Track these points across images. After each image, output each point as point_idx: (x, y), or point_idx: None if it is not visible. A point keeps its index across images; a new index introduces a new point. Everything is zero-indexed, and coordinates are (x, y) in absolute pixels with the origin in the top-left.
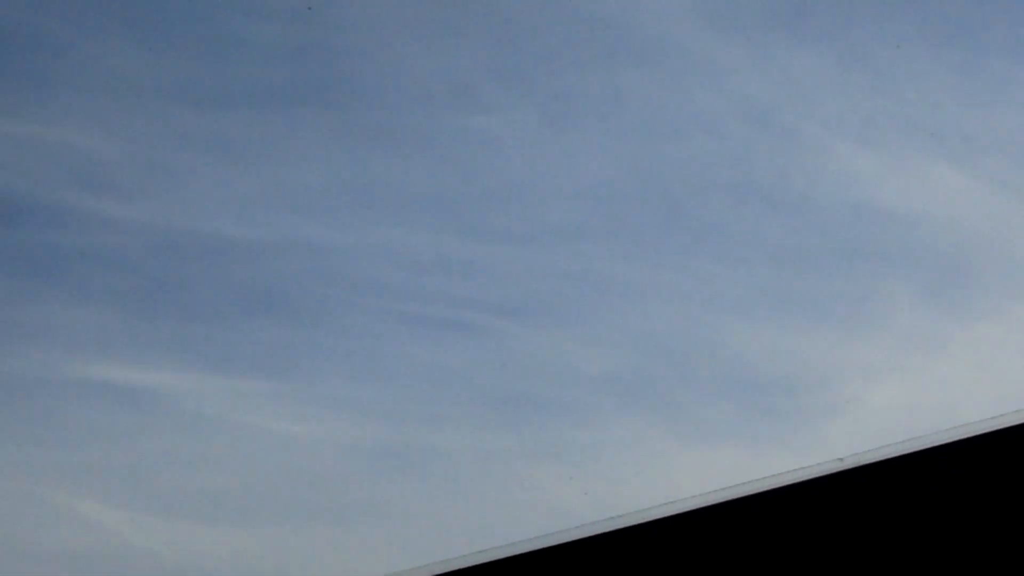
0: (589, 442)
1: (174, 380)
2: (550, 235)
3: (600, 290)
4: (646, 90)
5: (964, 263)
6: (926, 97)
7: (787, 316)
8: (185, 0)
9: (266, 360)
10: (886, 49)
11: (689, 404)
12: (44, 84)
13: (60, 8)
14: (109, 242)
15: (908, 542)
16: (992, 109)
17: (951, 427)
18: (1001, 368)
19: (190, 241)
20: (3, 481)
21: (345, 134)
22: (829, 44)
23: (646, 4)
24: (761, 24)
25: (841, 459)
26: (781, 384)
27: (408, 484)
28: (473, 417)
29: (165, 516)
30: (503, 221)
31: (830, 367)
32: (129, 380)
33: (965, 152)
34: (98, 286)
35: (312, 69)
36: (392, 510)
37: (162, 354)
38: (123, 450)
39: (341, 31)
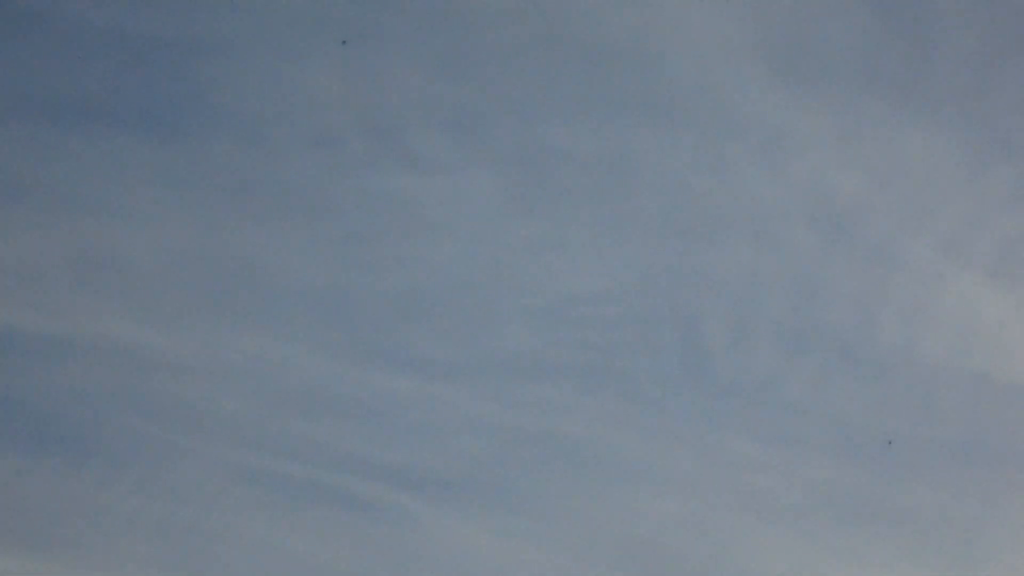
0: None
1: None
2: (498, 371)
3: (567, 461)
4: (672, 161)
5: None
6: None
7: (858, 535)
8: None
9: (21, 524)
10: None
11: None
12: None
13: None
14: None
15: None
16: None
17: None
18: None
19: None
20: None
21: (188, 183)
22: (956, 119)
23: (684, 33)
24: (854, 86)
25: None
26: None
27: None
28: None
29: None
30: (427, 342)
31: None
32: None
33: None
34: None
35: (139, 77)
36: None
37: None
38: None
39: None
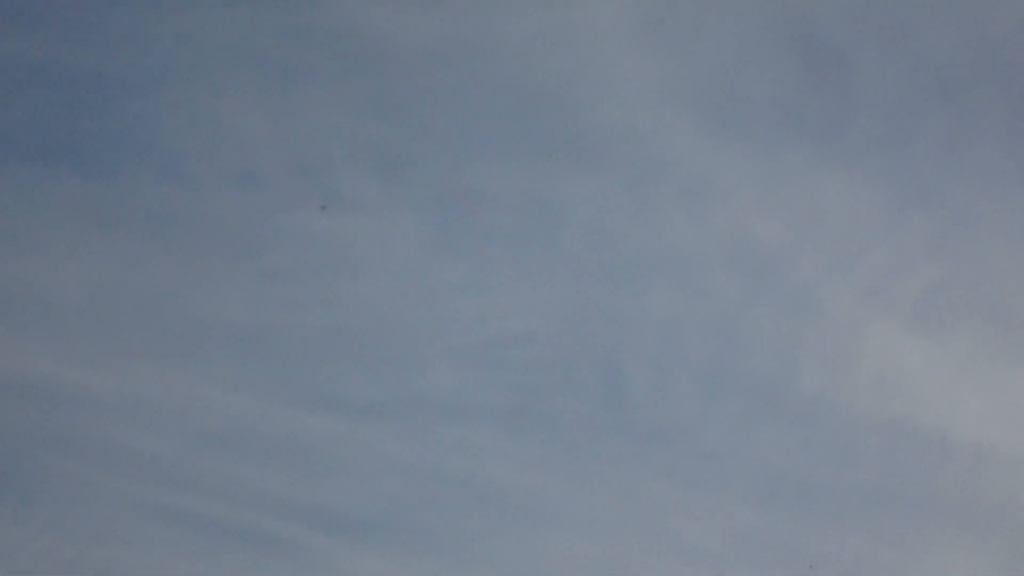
0: None
1: None
2: (420, 412)
3: (488, 503)
4: (596, 205)
5: None
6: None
7: None
8: None
9: None
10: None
11: None
12: None
13: None
14: None
15: None
16: None
17: None
18: None
19: None
20: None
21: (109, 218)
22: (876, 168)
23: (610, 79)
24: (777, 135)
25: None
26: None
27: None
28: None
29: None
30: (349, 382)
31: None
32: None
33: None
34: None
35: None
36: None
37: None
38: None
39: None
